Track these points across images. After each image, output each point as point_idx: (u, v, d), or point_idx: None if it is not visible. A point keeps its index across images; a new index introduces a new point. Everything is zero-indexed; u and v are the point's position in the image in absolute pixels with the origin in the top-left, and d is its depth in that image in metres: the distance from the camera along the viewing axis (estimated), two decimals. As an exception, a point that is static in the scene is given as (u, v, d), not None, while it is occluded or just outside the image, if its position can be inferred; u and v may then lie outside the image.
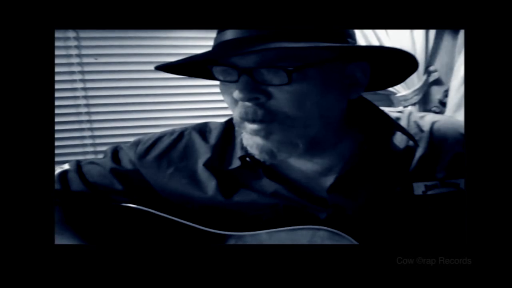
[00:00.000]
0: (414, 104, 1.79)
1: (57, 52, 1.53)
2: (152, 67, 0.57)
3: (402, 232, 0.61)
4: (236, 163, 0.64)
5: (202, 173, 0.67)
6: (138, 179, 0.69)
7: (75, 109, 1.62)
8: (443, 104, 1.83)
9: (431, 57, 1.80)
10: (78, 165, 0.71)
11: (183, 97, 1.71)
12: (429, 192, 0.61)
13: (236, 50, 0.50)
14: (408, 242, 0.60)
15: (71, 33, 1.56)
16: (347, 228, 0.59)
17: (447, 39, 1.81)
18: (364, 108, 0.64)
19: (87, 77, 1.61)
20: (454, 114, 1.68)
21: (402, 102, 1.79)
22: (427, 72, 1.81)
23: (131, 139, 0.74)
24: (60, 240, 0.60)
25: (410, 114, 0.66)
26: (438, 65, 1.83)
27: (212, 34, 0.56)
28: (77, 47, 1.58)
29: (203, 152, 0.68)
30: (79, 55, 1.58)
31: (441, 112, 1.81)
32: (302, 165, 0.62)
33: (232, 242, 0.63)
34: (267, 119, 0.53)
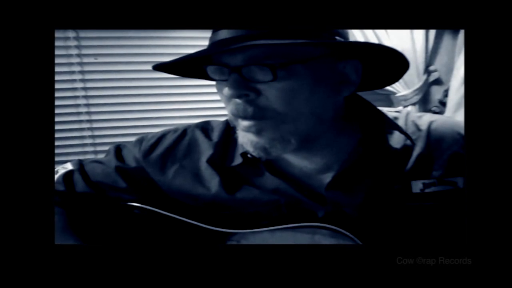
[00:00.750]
0: (414, 104, 1.79)
1: (57, 52, 1.53)
2: (153, 65, 0.58)
3: (401, 230, 0.61)
4: (238, 159, 0.64)
5: (206, 170, 0.67)
6: (142, 176, 0.70)
7: (75, 109, 1.62)
8: (443, 104, 1.83)
9: (431, 57, 1.80)
10: (80, 164, 0.71)
11: (183, 97, 1.71)
12: (427, 190, 0.61)
13: (222, 48, 0.52)
14: (408, 242, 0.61)
15: (71, 33, 1.56)
16: (346, 226, 0.60)
17: (447, 39, 1.81)
18: (361, 107, 0.64)
19: (87, 77, 1.61)
20: (454, 114, 1.67)
21: (402, 102, 1.79)
22: (427, 72, 1.81)
23: (131, 139, 0.74)
24: (61, 241, 0.60)
25: (408, 113, 0.67)
26: (438, 65, 1.83)
27: (210, 34, 0.56)
28: (77, 47, 1.58)
29: (206, 149, 0.68)
30: (79, 55, 1.58)
31: (441, 112, 1.81)
32: (300, 162, 0.63)
33: (234, 240, 0.63)
34: (258, 115, 0.54)
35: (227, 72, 0.53)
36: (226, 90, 0.53)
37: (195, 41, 1.63)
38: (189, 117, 1.69)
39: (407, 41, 1.70)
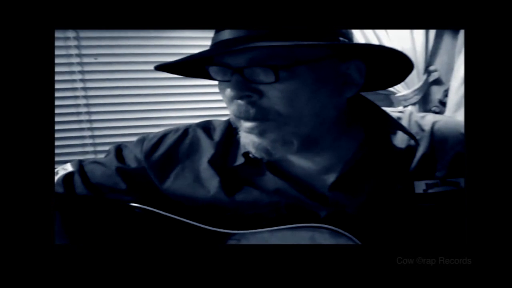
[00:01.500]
0: (414, 104, 1.79)
1: (57, 52, 1.53)
2: (152, 67, 0.58)
3: (402, 230, 0.61)
4: (240, 160, 0.64)
5: (206, 171, 0.67)
6: (142, 177, 0.69)
7: (75, 109, 1.62)
8: (443, 104, 1.83)
9: (431, 57, 1.80)
10: (80, 165, 0.71)
11: (183, 97, 1.71)
12: (430, 191, 0.61)
13: (225, 49, 0.51)
14: (408, 242, 0.61)
15: (71, 33, 1.56)
16: (347, 227, 0.60)
17: (447, 39, 1.81)
18: (365, 108, 0.64)
19: (87, 77, 1.61)
20: (454, 114, 1.67)
21: (402, 101, 1.79)
22: (427, 72, 1.81)
23: (131, 139, 0.74)
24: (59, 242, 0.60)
25: (411, 114, 0.67)
26: (438, 65, 1.83)
27: (211, 34, 0.56)
28: (77, 47, 1.58)
29: (207, 149, 0.68)
30: (79, 55, 1.58)
31: (441, 112, 1.81)
32: (302, 163, 0.63)
33: (234, 240, 0.63)
34: (260, 117, 0.53)
35: (230, 73, 0.53)
36: (228, 91, 0.53)
37: (196, 41, 1.63)
38: (190, 117, 1.69)
39: (407, 41, 1.70)
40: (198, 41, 1.62)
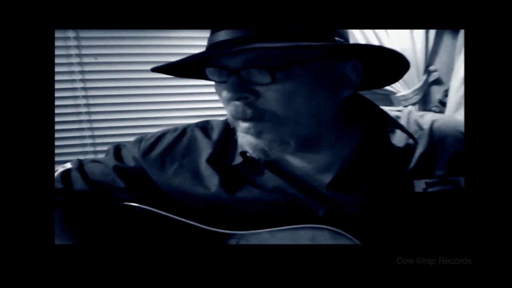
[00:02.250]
0: (414, 104, 1.79)
1: (57, 52, 1.53)
2: (151, 67, 0.58)
3: (402, 229, 0.61)
4: (238, 159, 0.64)
5: (205, 169, 0.67)
6: (140, 176, 0.70)
7: (75, 109, 1.62)
8: (443, 104, 1.83)
9: (431, 57, 1.80)
10: (80, 163, 0.71)
11: (182, 97, 1.71)
12: (430, 190, 0.61)
13: (221, 50, 0.51)
14: (408, 242, 0.61)
15: (71, 33, 1.56)
16: (347, 227, 0.60)
17: (447, 39, 1.81)
18: (363, 106, 0.64)
19: (87, 77, 1.61)
20: (454, 114, 1.68)
21: (402, 102, 1.79)
22: (427, 72, 1.81)
23: (131, 139, 0.74)
24: (60, 242, 0.60)
25: (409, 113, 0.67)
26: (438, 65, 1.83)
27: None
28: (77, 47, 1.58)
29: (205, 149, 0.68)
30: (79, 55, 1.58)
31: (441, 112, 1.81)
32: (300, 162, 0.63)
33: (234, 241, 0.63)
34: (257, 117, 0.54)
35: (226, 74, 0.53)
36: (225, 93, 0.53)
37: (195, 41, 1.63)
38: (188, 117, 1.69)
39: (407, 41, 1.70)
40: (198, 41, 1.62)
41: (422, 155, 0.62)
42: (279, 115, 0.53)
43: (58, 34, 1.52)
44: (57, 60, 1.54)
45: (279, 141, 0.55)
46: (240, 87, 0.52)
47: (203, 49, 0.56)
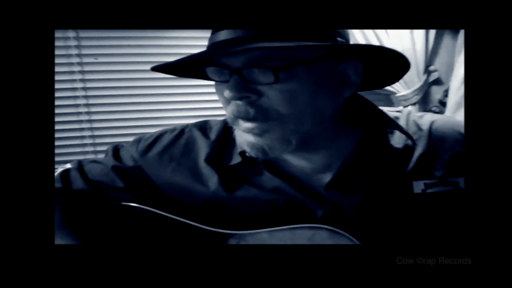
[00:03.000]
0: (414, 104, 1.79)
1: (57, 52, 1.53)
2: (152, 66, 0.58)
3: (402, 230, 0.61)
4: (237, 159, 0.64)
5: (204, 169, 0.67)
6: (139, 175, 0.70)
7: (75, 109, 1.62)
8: (443, 104, 1.83)
9: (431, 57, 1.80)
10: (80, 164, 0.72)
11: (182, 97, 1.71)
12: (429, 190, 0.61)
13: (223, 50, 0.51)
14: (408, 242, 0.61)
15: (71, 33, 1.56)
16: (346, 227, 0.60)
17: (447, 39, 1.81)
18: (362, 107, 0.64)
19: (87, 77, 1.61)
20: (454, 114, 1.67)
21: (402, 102, 1.79)
22: (427, 72, 1.81)
23: (131, 139, 0.74)
24: (60, 241, 0.60)
25: (409, 113, 0.67)
26: (438, 65, 1.83)
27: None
28: (77, 47, 1.58)
29: (203, 148, 0.68)
30: (79, 55, 1.58)
31: (441, 112, 1.81)
32: (299, 162, 0.63)
33: (234, 241, 0.63)
34: (260, 117, 0.54)
35: (228, 73, 0.53)
36: (227, 92, 0.53)
37: (195, 41, 1.63)
38: (188, 117, 1.68)
39: (407, 41, 1.70)
40: (198, 41, 1.62)
41: (421, 156, 0.62)
42: (282, 113, 0.53)
43: (58, 34, 1.52)
44: (57, 60, 1.54)
45: (281, 139, 0.55)
46: (242, 87, 0.52)
47: (203, 49, 0.56)
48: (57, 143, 1.57)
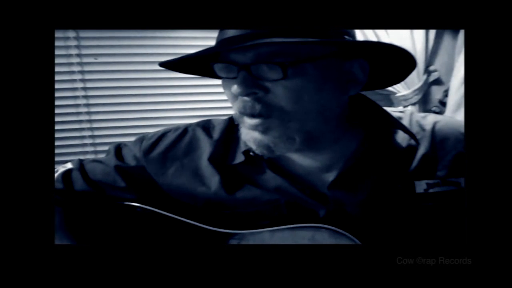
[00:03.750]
0: (414, 104, 1.79)
1: (57, 52, 1.53)
2: (152, 67, 0.59)
3: (403, 230, 0.61)
4: (240, 157, 0.64)
5: (206, 168, 0.67)
6: (141, 175, 0.70)
7: (75, 109, 1.62)
8: (443, 104, 1.83)
9: (431, 57, 1.80)
10: (81, 163, 0.71)
11: (183, 97, 1.71)
12: (431, 190, 0.61)
13: (232, 46, 0.52)
14: (408, 242, 0.61)
15: (71, 33, 1.56)
16: (348, 226, 0.60)
17: (447, 39, 1.81)
18: (366, 107, 0.64)
19: (87, 77, 1.61)
20: (454, 114, 1.68)
21: (402, 101, 1.79)
22: (427, 71, 1.81)
23: (131, 139, 0.74)
24: (60, 242, 0.60)
25: (412, 113, 0.67)
26: (438, 65, 1.83)
27: (212, 34, 0.56)
28: (77, 47, 1.58)
29: (207, 147, 0.68)
30: (79, 55, 1.58)
31: (441, 112, 1.81)
32: (303, 161, 0.63)
33: (235, 241, 0.63)
34: (265, 113, 0.54)
35: (236, 70, 0.53)
36: (235, 88, 0.53)
37: (196, 41, 1.63)
38: (189, 117, 1.68)
39: (407, 41, 1.70)
40: (198, 41, 1.62)
41: (423, 156, 0.62)
42: (287, 111, 0.53)
43: (58, 34, 1.52)
44: (57, 60, 1.54)
45: (285, 137, 0.55)
46: (250, 83, 0.52)
47: (203, 49, 0.56)
48: (57, 143, 1.57)
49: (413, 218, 0.61)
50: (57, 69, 1.54)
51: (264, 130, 0.55)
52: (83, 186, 0.69)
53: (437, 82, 1.86)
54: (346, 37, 0.55)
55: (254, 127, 0.55)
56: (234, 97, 0.56)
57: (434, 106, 1.87)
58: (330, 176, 0.62)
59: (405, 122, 0.65)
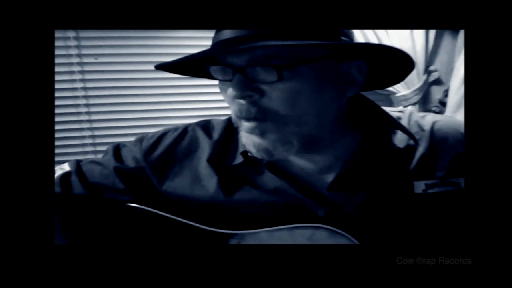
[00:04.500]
0: (414, 104, 1.79)
1: (57, 52, 1.53)
2: (152, 67, 0.58)
3: (402, 231, 0.61)
4: (239, 158, 0.64)
5: (204, 170, 0.67)
6: (141, 176, 0.69)
7: (75, 109, 1.62)
8: (443, 104, 1.83)
9: (431, 57, 1.80)
10: (78, 165, 0.71)
11: (183, 97, 1.71)
12: (430, 191, 0.61)
13: (228, 48, 0.51)
14: (408, 242, 0.61)
15: (71, 33, 1.56)
16: (347, 227, 0.59)
17: (447, 39, 1.81)
18: (364, 107, 0.64)
19: (87, 77, 1.61)
20: (454, 114, 1.67)
21: (402, 102, 1.79)
22: (427, 71, 1.81)
23: (131, 139, 0.74)
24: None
25: (411, 113, 0.66)
26: (438, 65, 1.83)
27: (211, 34, 0.56)
28: (77, 47, 1.58)
29: (206, 148, 0.68)
30: (79, 55, 1.59)
31: (441, 112, 1.81)
32: (302, 163, 0.63)
33: (235, 241, 0.63)
34: (261, 117, 0.53)
35: (231, 72, 0.52)
36: (230, 91, 0.52)
37: (196, 41, 1.63)
38: (189, 117, 1.68)
39: (407, 41, 1.70)
40: (198, 41, 1.62)
41: (422, 156, 0.62)
42: (282, 114, 0.53)
43: (58, 34, 1.52)
44: (57, 60, 1.54)
45: (282, 141, 0.55)
46: (245, 85, 0.52)
47: (203, 49, 0.56)
48: (57, 143, 1.57)
49: (413, 218, 0.61)
50: (57, 69, 1.55)
51: (261, 133, 0.54)
52: (81, 189, 0.68)
53: (437, 82, 1.86)
54: (343, 38, 0.55)
55: (251, 130, 0.55)
56: (231, 100, 0.55)
57: (434, 106, 1.87)
58: (329, 177, 0.62)
59: (404, 122, 0.65)
